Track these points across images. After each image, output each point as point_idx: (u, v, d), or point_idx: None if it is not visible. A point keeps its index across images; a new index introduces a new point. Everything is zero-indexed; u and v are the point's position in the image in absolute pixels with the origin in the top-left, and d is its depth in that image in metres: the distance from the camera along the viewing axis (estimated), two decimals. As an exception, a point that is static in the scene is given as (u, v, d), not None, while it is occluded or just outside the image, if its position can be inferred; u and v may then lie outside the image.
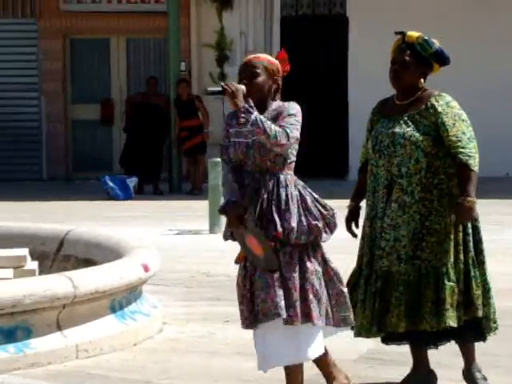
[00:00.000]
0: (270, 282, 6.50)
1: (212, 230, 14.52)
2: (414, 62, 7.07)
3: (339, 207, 6.88)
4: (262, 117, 6.50)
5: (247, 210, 6.61)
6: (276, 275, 6.51)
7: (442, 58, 7.14)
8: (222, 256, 11.14)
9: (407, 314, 6.92)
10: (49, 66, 23.00)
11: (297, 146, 6.64)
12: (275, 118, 6.57)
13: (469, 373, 7.13)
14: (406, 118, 7.07)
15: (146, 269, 8.46)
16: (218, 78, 22.30)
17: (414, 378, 7.18)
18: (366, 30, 21.35)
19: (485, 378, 7.09)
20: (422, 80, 7.11)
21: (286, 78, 6.88)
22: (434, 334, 7.03)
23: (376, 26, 20.30)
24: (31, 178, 22.36)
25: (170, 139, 20.68)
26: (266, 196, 6.61)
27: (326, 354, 6.79)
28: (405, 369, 7.24)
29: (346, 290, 6.71)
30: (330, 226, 6.60)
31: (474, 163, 6.89)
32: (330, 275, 6.68)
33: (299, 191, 6.62)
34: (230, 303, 8.18)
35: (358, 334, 7.10)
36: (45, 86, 23.03)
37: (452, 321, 6.86)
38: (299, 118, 6.60)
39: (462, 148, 6.91)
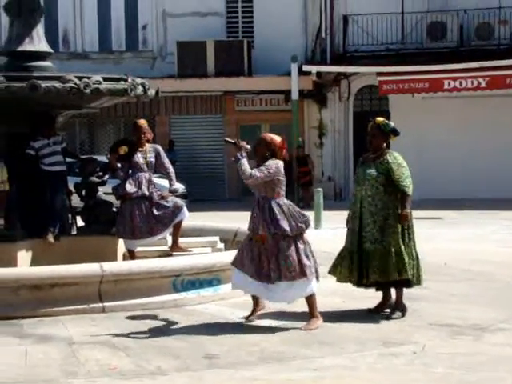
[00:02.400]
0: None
1: (316, 227, 14.59)
2: (379, 134, 6.96)
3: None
4: (242, 162, 6.41)
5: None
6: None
7: (395, 133, 6.97)
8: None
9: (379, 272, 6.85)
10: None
11: (283, 183, 6.48)
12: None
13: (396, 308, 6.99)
14: (371, 164, 6.95)
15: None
16: (319, 146, 22.21)
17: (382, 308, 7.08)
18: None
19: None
20: (385, 144, 7.00)
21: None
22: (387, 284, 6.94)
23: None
24: (218, 199, 22.06)
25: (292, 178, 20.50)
26: (259, 211, 6.45)
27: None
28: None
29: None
30: (307, 225, 6.54)
31: (409, 191, 6.79)
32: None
33: (287, 207, 6.48)
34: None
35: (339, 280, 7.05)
36: (225, 148, 22.48)
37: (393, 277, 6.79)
38: (269, 169, 6.42)
39: (402, 183, 6.81)
